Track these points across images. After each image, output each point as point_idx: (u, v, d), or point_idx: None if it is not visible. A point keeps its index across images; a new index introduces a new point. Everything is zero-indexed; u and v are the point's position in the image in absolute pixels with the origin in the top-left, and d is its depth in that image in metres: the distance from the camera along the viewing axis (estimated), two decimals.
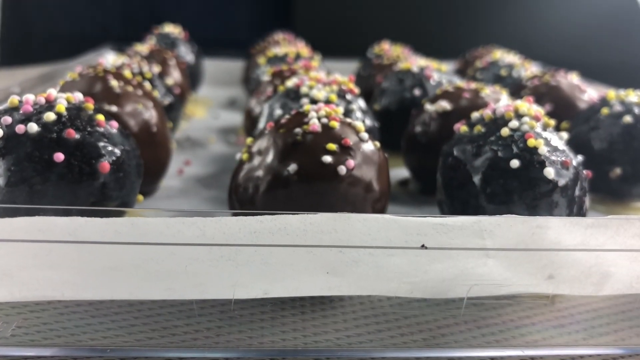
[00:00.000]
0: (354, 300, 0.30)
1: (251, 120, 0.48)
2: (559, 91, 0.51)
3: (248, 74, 0.70)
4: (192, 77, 0.69)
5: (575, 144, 0.41)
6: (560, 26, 0.74)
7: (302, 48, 0.64)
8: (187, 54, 0.69)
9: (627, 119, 0.41)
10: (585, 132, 0.43)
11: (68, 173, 0.29)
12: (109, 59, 0.50)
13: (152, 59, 0.56)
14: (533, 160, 0.31)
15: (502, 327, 0.28)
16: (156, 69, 0.51)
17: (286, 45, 0.68)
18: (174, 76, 0.56)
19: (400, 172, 0.47)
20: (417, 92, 0.51)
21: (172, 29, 0.71)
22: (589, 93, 0.51)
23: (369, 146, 0.32)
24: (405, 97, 0.51)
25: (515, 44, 0.78)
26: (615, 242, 0.26)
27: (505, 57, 0.66)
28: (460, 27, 1.20)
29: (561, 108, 0.49)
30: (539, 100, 0.49)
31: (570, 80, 0.52)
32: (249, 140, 0.34)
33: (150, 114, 0.40)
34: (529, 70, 0.63)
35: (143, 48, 0.58)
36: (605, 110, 0.43)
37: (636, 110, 0.42)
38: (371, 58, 0.71)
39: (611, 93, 0.44)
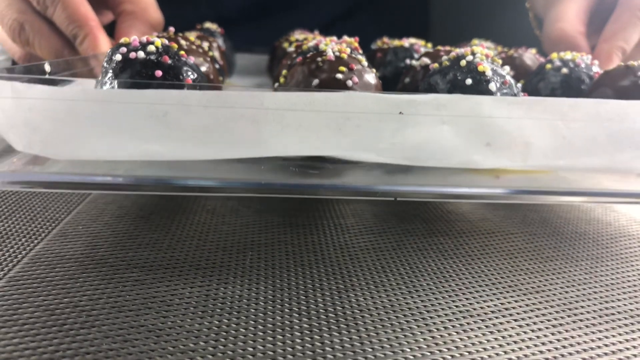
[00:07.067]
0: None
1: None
2: (521, 60, 0.65)
3: (272, 63, 0.84)
4: (227, 65, 0.83)
5: (528, 92, 0.55)
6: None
7: (318, 36, 0.79)
8: (223, 44, 0.84)
9: (564, 70, 0.55)
10: (535, 83, 0.57)
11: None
12: None
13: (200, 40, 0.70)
14: (481, 80, 0.45)
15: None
16: (205, 44, 0.66)
17: (305, 36, 0.83)
18: (217, 55, 0.70)
19: None
20: (408, 61, 0.65)
21: (210, 25, 0.86)
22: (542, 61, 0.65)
23: (368, 70, 0.46)
24: (399, 66, 0.66)
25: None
26: (529, 117, 0.40)
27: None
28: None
29: (521, 72, 0.63)
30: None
31: (530, 53, 0.66)
32: (285, 72, 0.48)
33: (208, 67, 0.54)
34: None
35: (191, 35, 0.73)
36: (548, 66, 0.57)
37: (571, 65, 0.56)
38: (375, 49, 0.86)
39: (554, 54, 0.58)
